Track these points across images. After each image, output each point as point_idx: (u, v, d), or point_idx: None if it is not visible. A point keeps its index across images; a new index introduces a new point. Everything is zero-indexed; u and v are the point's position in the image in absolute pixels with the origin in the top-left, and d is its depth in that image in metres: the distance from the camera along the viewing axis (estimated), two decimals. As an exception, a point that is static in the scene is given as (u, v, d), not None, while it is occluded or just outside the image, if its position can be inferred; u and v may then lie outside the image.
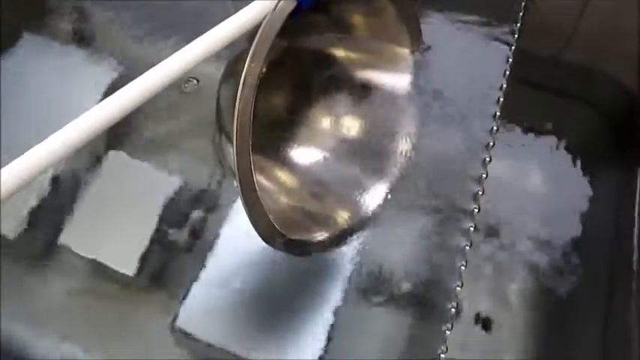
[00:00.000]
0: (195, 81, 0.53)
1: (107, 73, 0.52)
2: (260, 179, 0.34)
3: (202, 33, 0.57)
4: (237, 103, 0.31)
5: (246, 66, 0.30)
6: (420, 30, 0.40)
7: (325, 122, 0.44)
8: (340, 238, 0.41)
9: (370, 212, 0.42)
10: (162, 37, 0.55)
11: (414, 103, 0.42)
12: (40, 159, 0.28)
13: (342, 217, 0.42)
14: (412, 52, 0.41)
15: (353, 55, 0.43)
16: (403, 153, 0.42)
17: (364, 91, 0.44)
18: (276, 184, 0.42)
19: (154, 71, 0.30)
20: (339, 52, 0.43)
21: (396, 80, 0.43)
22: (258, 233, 0.35)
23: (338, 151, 0.44)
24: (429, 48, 0.40)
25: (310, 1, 0.34)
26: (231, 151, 0.34)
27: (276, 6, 0.32)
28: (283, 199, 0.41)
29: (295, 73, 0.40)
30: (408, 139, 0.42)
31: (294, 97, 0.44)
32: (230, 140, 0.34)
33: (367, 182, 0.42)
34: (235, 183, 0.36)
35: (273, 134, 0.41)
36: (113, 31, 0.56)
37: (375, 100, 0.43)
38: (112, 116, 0.30)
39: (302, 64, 0.41)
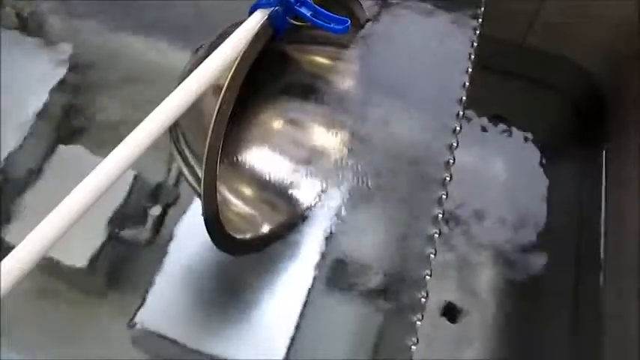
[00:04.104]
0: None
1: (58, 58, 0.50)
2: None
3: (153, 14, 0.56)
4: (209, 133, 0.31)
5: (221, 96, 0.31)
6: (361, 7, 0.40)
7: (277, 125, 0.45)
8: (278, 233, 0.42)
9: (306, 207, 0.43)
10: (113, 22, 0.54)
11: (356, 97, 0.43)
12: (35, 246, 0.27)
13: (283, 213, 0.42)
14: (357, 29, 0.40)
15: (306, 60, 0.43)
16: (341, 150, 0.43)
17: (315, 94, 0.44)
18: (227, 186, 0.42)
19: (134, 138, 0.29)
20: (294, 58, 0.43)
21: (343, 83, 0.43)
22: (212, 239, 0.36)
23: (286, 151, 0.44)
24: (369, 20, 0.40)
25: (285, 27, 0.34)
26: (189, 155, 0.36)
27: (255, 36, 0.32)
28: (232, 199, 0.41)
29: (251, 80, 0.40)
30: (347, 137, 0.43)
31: (250, 101, 0.44)
32: (191, 146, 0.36)
33: (306, 179, 0.43)
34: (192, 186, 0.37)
35: (228, 136, 0.41)
36: (62, 17, 0.54)
37: (323, 102, 0.44)
38: (97, 192, 0.28)
39: (259, 70, 0.41)
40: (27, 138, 0.48)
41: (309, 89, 0.44)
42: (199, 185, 0.32)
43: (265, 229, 0.40)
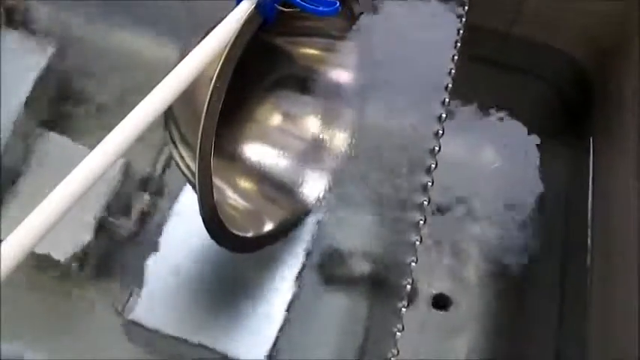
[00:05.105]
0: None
1: (44, 49, 0.50)
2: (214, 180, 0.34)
3: (142, 7, 0.56)
4: (202, 121, 0.30)
5: (212, 84, 0.30)
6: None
7: (273, 119, 0.44)
8: (283, 230, 0.42)
9: (312, 203, 0.42)
10: (100, 13, 0.53)
11: (356, 94, 0.43)
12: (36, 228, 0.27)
13: (286, 209, 0.42)
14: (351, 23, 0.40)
15: (300, 52, 0.43)
16: (343, 143, 0.43)
17: (310, 86, 0.44)
18: (227, 183, 0.41)
19: (122, 129, 0.28)
20: (288, 51, 0.43)
21: (339, 73, 0.43)
22: (213, 237, 0.35)
23: (285, 146, 0.44)
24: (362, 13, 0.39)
25: (274, 16, 0.34)
26: (183, 148, 0.35)
27: (243, 24, 0.32)
28: (233, 197, 0.41)
29: (245, 73, 0.40)
30: (348, 130, 0.43)
31: (244, 96, 0.44)
32: (185, 139, 0.35)
33: (309, 174, 0.43)
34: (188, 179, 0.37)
35: (224, 133, 0.41)
36: (49, 8, 0.53)
37: (319, 95, 0.43)
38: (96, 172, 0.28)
39: (252, 64, 0.40)
40: (13, 129, 0.48)
41: (301, 81, 0.44)
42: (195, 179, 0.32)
43: (269, 226, 0.40)
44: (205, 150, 0.31)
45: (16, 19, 0.52)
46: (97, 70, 0.53)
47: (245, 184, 0.42)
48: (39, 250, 0.45)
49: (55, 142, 0.49)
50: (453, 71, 0.39)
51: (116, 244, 0.48)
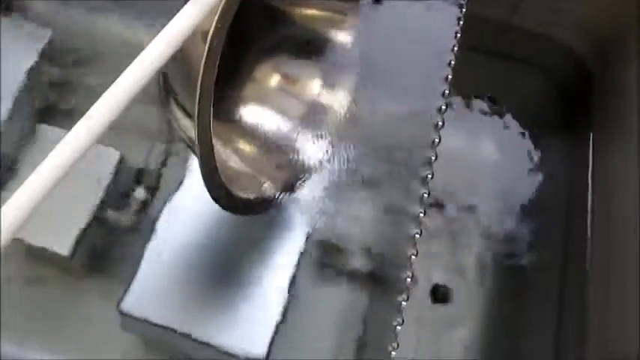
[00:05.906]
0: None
1: (39, 38, 0.49)
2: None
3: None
4: (201, 69, 0.29)
5: (212, 28, 0.29)
6: None
7: (273, 81, 0.43)
8: (283, 193, 0.41)
9: (312, 167, 0.41)
10: (93, 3, 0.53)
11: (357, 58, 0.42)
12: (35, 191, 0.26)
13: (287, 172, 0.41)
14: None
15: (300, 13, 0.42)
16: (343, 107, 0.42)
17: (310, 48, 0.43)
18: (226, 145, 0.40)
19: (122, 83, 0.27)
20: (287, 10, 0.42)
21: (340, 36, 0.42)
22: (212, 195, 0.34)
23: (285, 108, 0.43)
24: None
25: None
26: (180, 114, 0.34)
27: None
28: (233, 158, 0.40)
29: (244, 35, 0.39)
30: (348, 93, 0.42)
31: (243, 58, 0.43)
32: (180, 101, 0.34)
33: (309, 136, 0.42)
34: (186, 141, 0.36)
35: (223, 94, 0.40)
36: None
37: (320, 57, 0.43)
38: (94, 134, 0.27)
39: (250, 25, 0.40)
40: (9, 118, 0.47)
41: (301, 43, 0.43)
42: (193, 144, 0.31)
43: (271, 188, 0.39)
44: (204, 110, 0.30)
45: (11, 8, 0.52)
46: (93, 58, 0.52)
47: (245, 145, 0.41)
48: (36, 243, 0.45)
49: (51, 130, 0.48)
50: (452, 62, 0.38)
51: (113, 237, 0.48)
